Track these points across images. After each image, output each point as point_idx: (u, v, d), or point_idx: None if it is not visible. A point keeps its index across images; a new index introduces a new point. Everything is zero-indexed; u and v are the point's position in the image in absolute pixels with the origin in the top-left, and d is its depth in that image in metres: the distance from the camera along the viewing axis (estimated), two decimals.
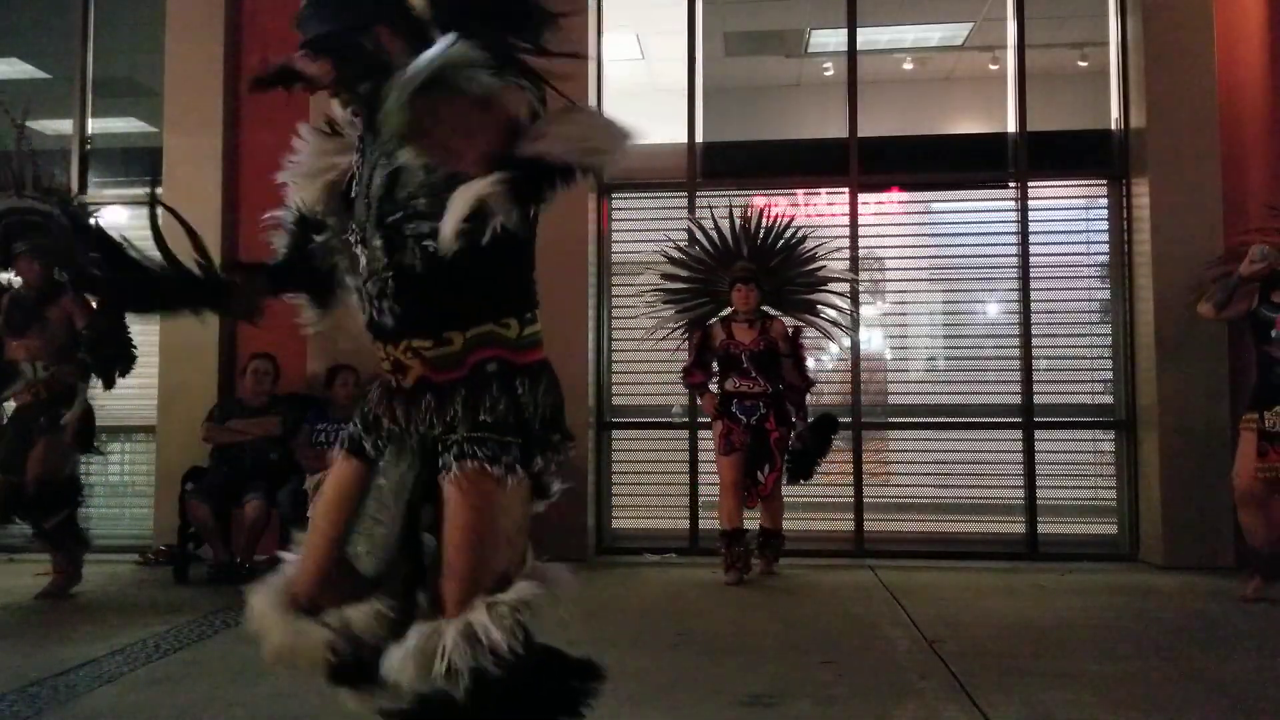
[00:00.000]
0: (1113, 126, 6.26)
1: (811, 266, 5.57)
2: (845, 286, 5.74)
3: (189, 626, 4.26)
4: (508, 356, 1.91)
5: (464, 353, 1.87)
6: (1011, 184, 6.29)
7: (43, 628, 4.37)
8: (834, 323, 5.66)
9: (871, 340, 6.50)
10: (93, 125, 6.79)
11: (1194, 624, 4.31)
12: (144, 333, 6.24)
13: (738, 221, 5.56)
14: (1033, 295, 6.16)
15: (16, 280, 5.21)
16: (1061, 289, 6.26)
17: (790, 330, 5.39)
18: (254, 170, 6.41)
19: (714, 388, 5.48)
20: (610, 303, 6.44)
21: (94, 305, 5.03)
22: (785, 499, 5.48)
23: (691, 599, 4.93)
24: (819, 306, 5.61)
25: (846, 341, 5.96)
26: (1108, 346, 6.21)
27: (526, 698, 1.87)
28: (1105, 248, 6.23)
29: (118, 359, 5.17)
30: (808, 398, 5.47)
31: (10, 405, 5.16)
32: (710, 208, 5.84)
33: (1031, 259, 6.17)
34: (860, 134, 6.31)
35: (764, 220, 5.58)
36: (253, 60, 6.52)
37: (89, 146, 6.72)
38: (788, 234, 5.56)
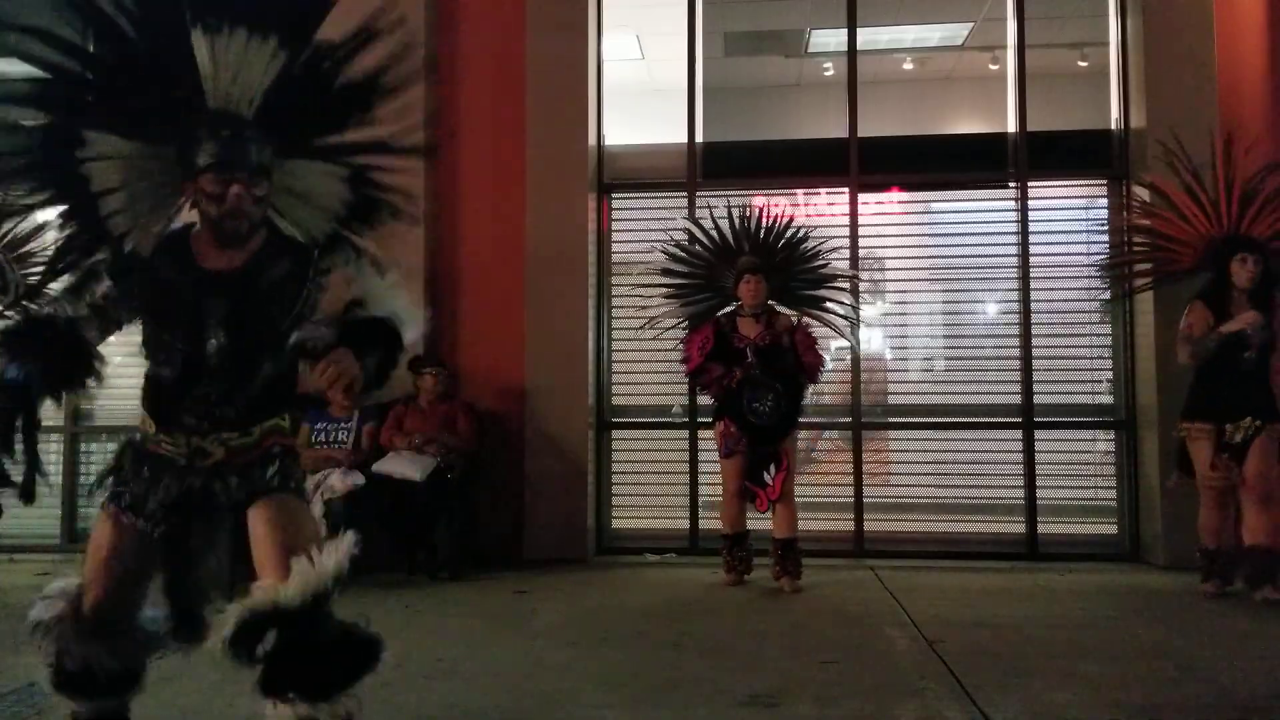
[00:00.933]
0: (1113, 126, 6.26)
1: (815, 264, 5.48)
2: (849, 284, 5.67)
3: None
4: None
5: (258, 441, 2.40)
6: (1011, 184, 6.29)
7: None
8: (840, 318, 5.57)
9: (871, 340, 6.50)
10: None
11: (1194, 624, 4.31)
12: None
13: (737, 220, 5.48)
14: (1033, 295, 6.17)
15: None
16: (1061, 289, 6.26)
17: (795, 322, 5.28)
18: None
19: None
20: (610, 303, 6.44)
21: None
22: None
23: (691, 599, 4.93)
24: (824, 304, 5.51)
25: (851, 338, 5.86)
26: (1108, 346, 6.21)
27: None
28: (1105, 248, 6.23)
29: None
30: (808, 391, 5.36)
31: None
32: (709, 207, 5.80)
33: (1031, 259, 6.17)
34: (860, 134, 6.31)
35: (764, 219, 5.49)
36: None
37: None
38: (789, 232, 5.47)
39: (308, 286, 2.37)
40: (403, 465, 5.44)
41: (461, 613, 4.58)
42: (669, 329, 5.66)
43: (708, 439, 6.23)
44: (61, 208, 2.40)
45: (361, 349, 2.34)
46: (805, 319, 5.39)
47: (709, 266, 5.50)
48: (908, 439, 6.45)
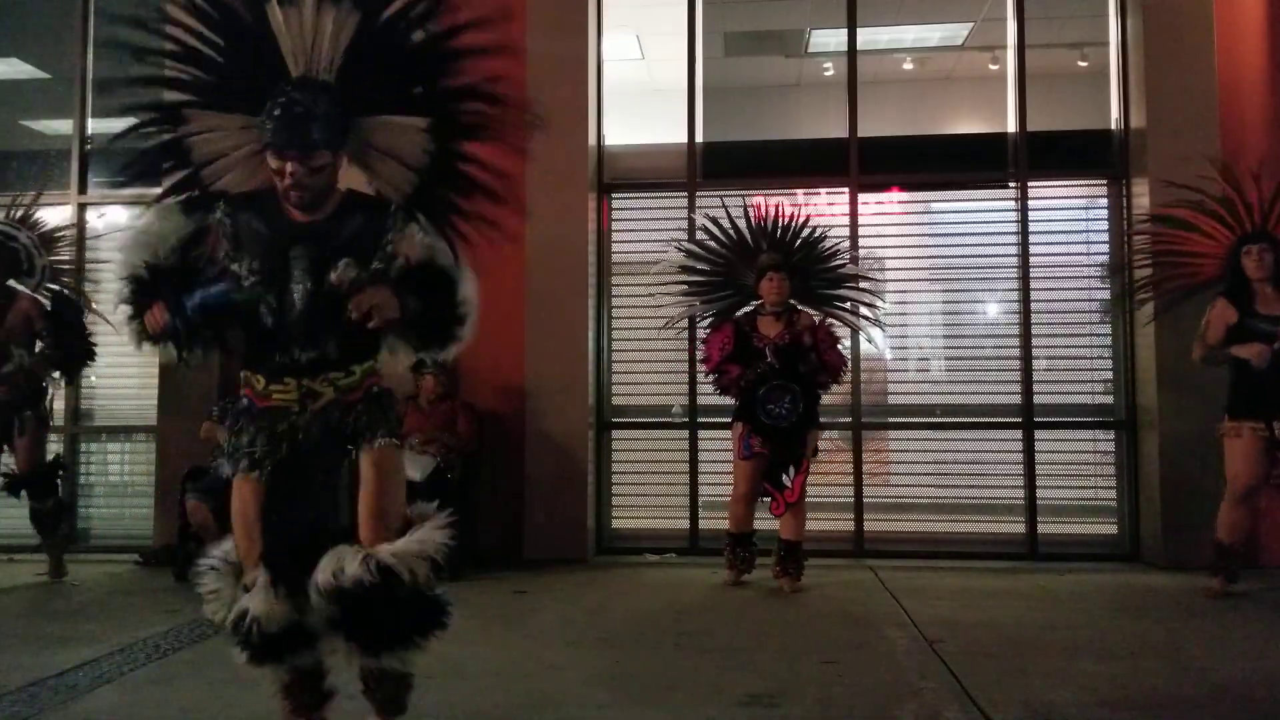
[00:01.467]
0: (1113, 126, 6.26)
1: (834, 263, 5.35)
2: (867, 283, 5.56)
3: (189, 627, 4.26)
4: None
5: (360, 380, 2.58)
6: (1011, 184, 6.29)
7: (43, 628, 4.37)
8: (860, 318, 5.48)
9: (872, 341, 6.49)
10: (92, 125, 6.78)
11: (1194, 624, 4.31)
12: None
13: (752, 218, 5.33)
14: (1033, 295, 6.16)
15: None
16: (1061, 289, 6.26)
17: (817, 321, 5.16)
18: None
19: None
20: (610, 303, 6.44)
21: (49, 307, 5.40)
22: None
23: (691, 599, 4.93)
24: (845, 303, 5.39)
25: (875, 337, 5.78)
26: (1108, 347, 6.21)
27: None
28: (1105, 248, 6.23)
29: (79, 354, 5.49)
30: (831, 388, 5.24)
31: None
32: (724, 205, 5.54)
33: (1031, 259, 6.17)
34: (860, 134, 6.31)
35: (781, 218, 5.35)
36: None
37: (89, 146, 6.72)
38: (805, 231, 5.32)
39: (385, 239, 2.50)
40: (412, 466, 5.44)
41: (461, 613, 4.51)
42: (688, 326, 5.58)
43: (708, 439, 6.24)
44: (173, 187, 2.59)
45: (406, 292, 2.47)
46: (828, 318, 5.28)
47: (728, 264, 5.37)
48: (908, 439, 6.45)
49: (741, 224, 5.36)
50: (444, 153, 2.60)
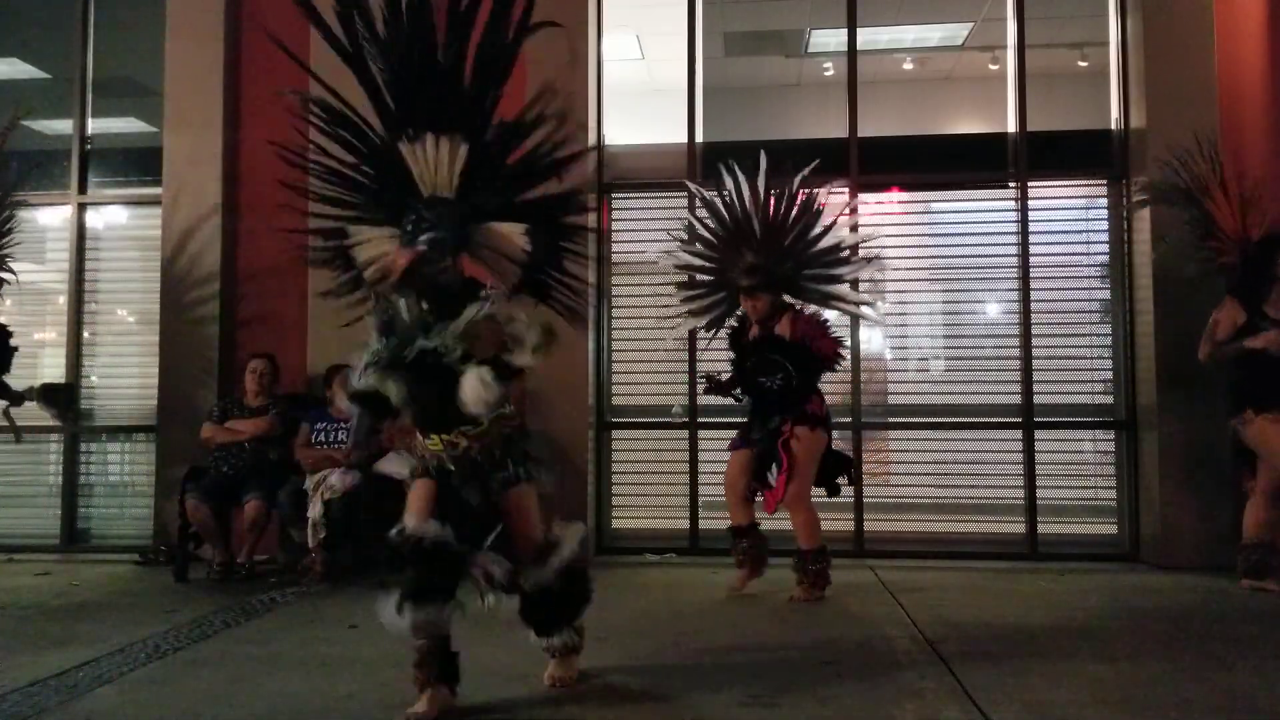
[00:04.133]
0: (1113, 126, 6.26)
1: (828, 244, 5.11)
2: (864, 272, 5.34)
3: (189, 627, 4.26)
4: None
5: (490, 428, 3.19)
6: (1011, 184, 6.29)
7: (43, 628, 4.37)
8: (855, 310, 5.31)
9: (871, 340, 6.49)
10: (93, 125, 6.79)
11: (1194, 624, 4.31)
12: (144, 332, 6.27)
13: (745, 192, 5.10)
14: (1033, 295, 6.17)
15: None
16: (1061, 289, 6.26)
17: (803, 317, 4.92)
18: (254, 170, 6.41)
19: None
20: (610, 303, 6.44)
21: None
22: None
23: (691, 599, 4.92)
24: (838, 295, 5.16)
25: (874, 317, 5.62)
26: (1108, 346, 6.21)
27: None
28: (1105, 248, 6.24)
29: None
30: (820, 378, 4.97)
31: None
32: (720, 187, 5.27)
33: (1031, 259, 6.17)
34: (860, 134, 6.31)
35: (773, 194, 5.11)
36: (253, 64, 6.53)
37: (89, 146, 6.72)
38: (800, 207, 5.08)
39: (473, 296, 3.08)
40: (403, 465, 5.42)
41: (461, 612, 4.56)
42: (694, 333, 5.47)
43: (708, 439, 6.24)
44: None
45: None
46: (818, 313, 5.07)
47: (720, 259, 5.17)
48: (908, 439, 6.45)
49: (734, 206, 5.14)
50: (538, 249, 3.19)
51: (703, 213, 5.31)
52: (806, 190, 5.13)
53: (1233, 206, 5.31)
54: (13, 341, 5.66)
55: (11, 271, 5.83)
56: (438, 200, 3.08)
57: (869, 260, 5.29)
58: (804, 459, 4.82)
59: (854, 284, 5.31)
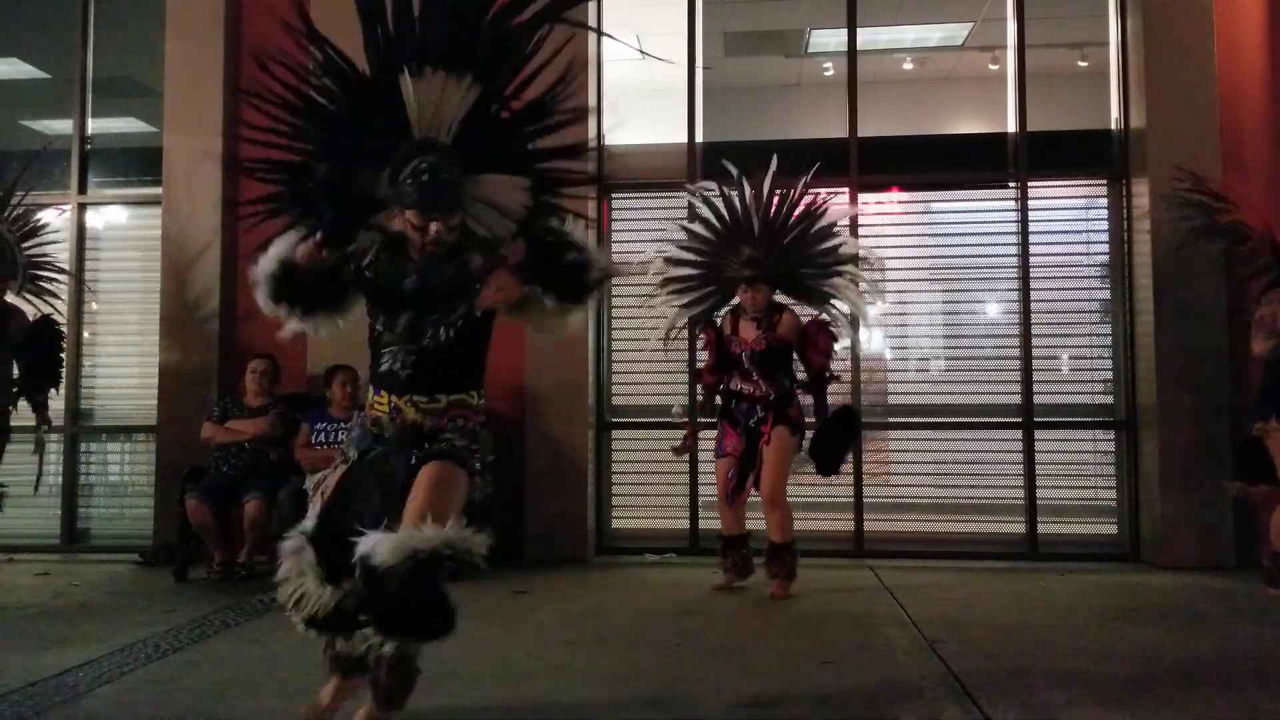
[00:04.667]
0: (1113, 126, 6.26)
1: (829, 244, 5.09)
2: (863, 270, 5.30)
3: (189, 627, 4.26)
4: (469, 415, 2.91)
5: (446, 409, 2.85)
6: (1011, 184, 6.29)
7: (43, 627, 4.37)
8: (852, 311, 5.23)
9: (871, 340, 6.49)
10: (93, 125, 6.78)
11: (1194, 624, 4.31)
12: (145, 332, 6.27)
13: (748, 192, 5.11)
14: (1033, 295, 6.16)
15: None
16: (1061, 289, 6.26)
17: (805, 322, 4.98)
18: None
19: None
20: (610, 303, 6.44)
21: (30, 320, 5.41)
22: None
23: (691, 599, 4.93)
24: (836, 293, 5.14)
25: (865, 333, 5.50)
26: (1108, 346, 6.21)
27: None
28: (1105, 248, 6.24)
29: (46, 383, 5.50)
30: (827, 390, 4.99)
31: None
32: (719, 185, 5.33)
33: (1031, 259, 6.17)
34: (860, 134, 6.31)
35: (776, 194, 5.11)
36: (250, 64, 6.53)
37: (89, 146, 6.72)
38: (800, 208, 5.08)
39: (479, 276, 2.78)
40: None
41: (461, 612, 4.56)
42: (676, 334, 5.47)
43: (708, 439, 6.23)
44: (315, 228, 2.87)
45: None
46: (821, 313, 5.11)
47: (715, 252, 5.16)
48: (908, 439, 6.45)
49: (734, 202, 5.16)
50: (538, 204, 2.91)
51: (702, 208, 5.30)
52: (809, 193, 5.14)
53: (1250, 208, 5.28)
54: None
55: (62, 270, 5.89)
56: (435, 145, 2.80)
57: (866, 260, 5.31)
58: (780, 459, 4.90)
59: (852, 284, 5.26)
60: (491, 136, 2.90)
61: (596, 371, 6.30)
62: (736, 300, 5.07)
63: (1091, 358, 6.28)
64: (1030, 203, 6.19)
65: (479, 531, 2.73)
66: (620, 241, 6.47)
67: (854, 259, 5.19)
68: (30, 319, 5.41)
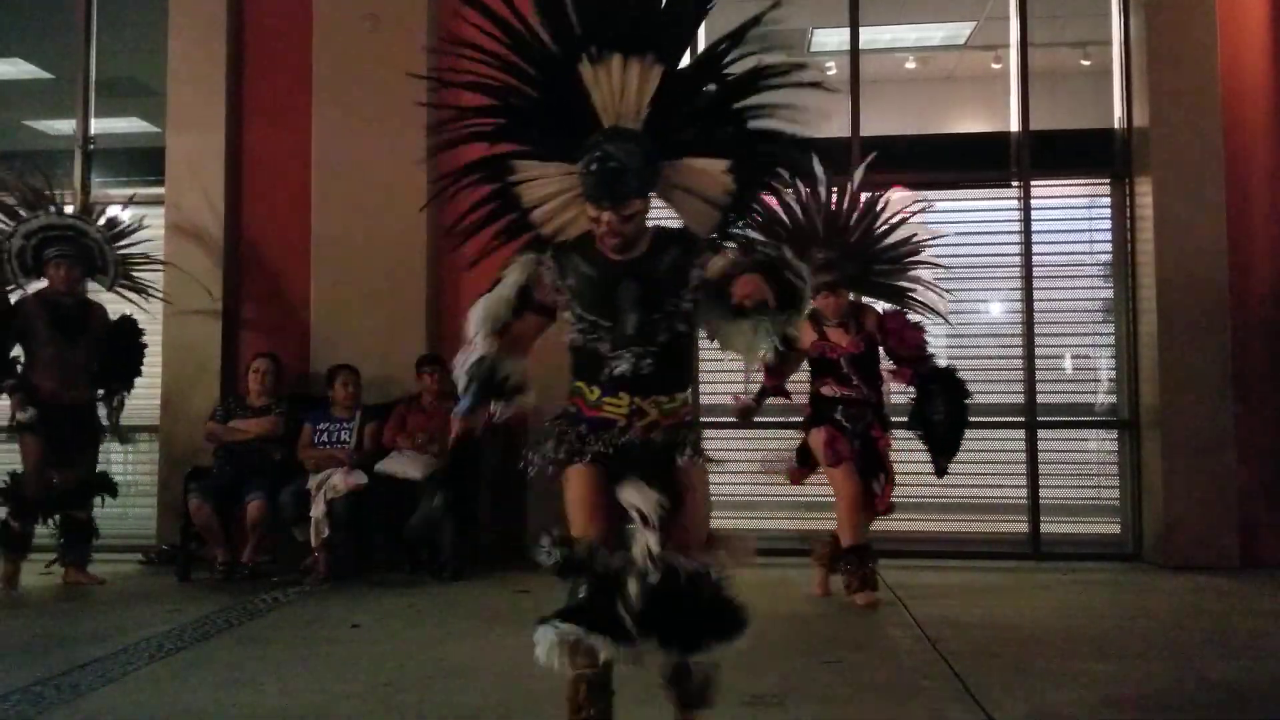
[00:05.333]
0: (1115, 126, 6.25)
1: (897, 238, 4.99)
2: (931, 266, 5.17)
3: (192, 626, 4.27)
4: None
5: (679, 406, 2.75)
6: (1014, 183, 6.28)
7: (46, 627, 4.38)
8: (926, 305, 5.13)
9: (945, 320, 6.35)
10: (95, 125, 6.79)
11: (1196, 624, 4.30)
12: (146, 332, 6.25)
13: (804, 193, 5.00)
14: (1036, 295, 6.15)
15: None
16: (1064, 289, 6.25)
17: (884, 314, 4.91)
18: (257, 169, 6.41)
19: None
20: None
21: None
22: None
23: None
24: (908, 290, 5.07)
25: (943, 320, 5.33)
26: (1111, 346, 6.20)
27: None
28: (1108, 247, 6.23)
29: (127, 377, 5.64)
30: (932, 377, 4.88)
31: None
32: (786, 187, 5.00)
33: (1034, 258, 6.16)
34: (863, 133, 6.30)
35: (838, 195, 5.05)
36: (255, 60, 6.53)
37: (91, 146, 6.73)
38: (864, 205, 5.01)
39: (693, 270, 2.65)
40: (405, 465, 5.44)
41: (463, 613, 4.57)
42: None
43: (708, 439, 6.18)
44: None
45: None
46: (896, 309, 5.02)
47: None
48: (910, 438, 6.42)
49: (793, 206, 5.05)
50: (744, 189, 2.77)
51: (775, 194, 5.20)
52: (868, 188, 5.06)
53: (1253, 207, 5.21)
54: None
55: (161, 263, 6.00)
56: (622, 132, 2.66)
57: (927, 260, 5.16)
58: (891, 463, 4.84)
59: (927, 276, 5.15)
60: (686, 117, 2.76)
61: None
62: (813, 305, 4.83)
63: (1094, 357, 6.27)
64: (1033, 202, 6.18)
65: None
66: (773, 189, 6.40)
67: (924, 248, 5.06)
68: (109, 316, 5.58)
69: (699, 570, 2.54)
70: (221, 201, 6.28)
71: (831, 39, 7.02)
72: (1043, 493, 6.07)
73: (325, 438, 5.66)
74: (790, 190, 5.07)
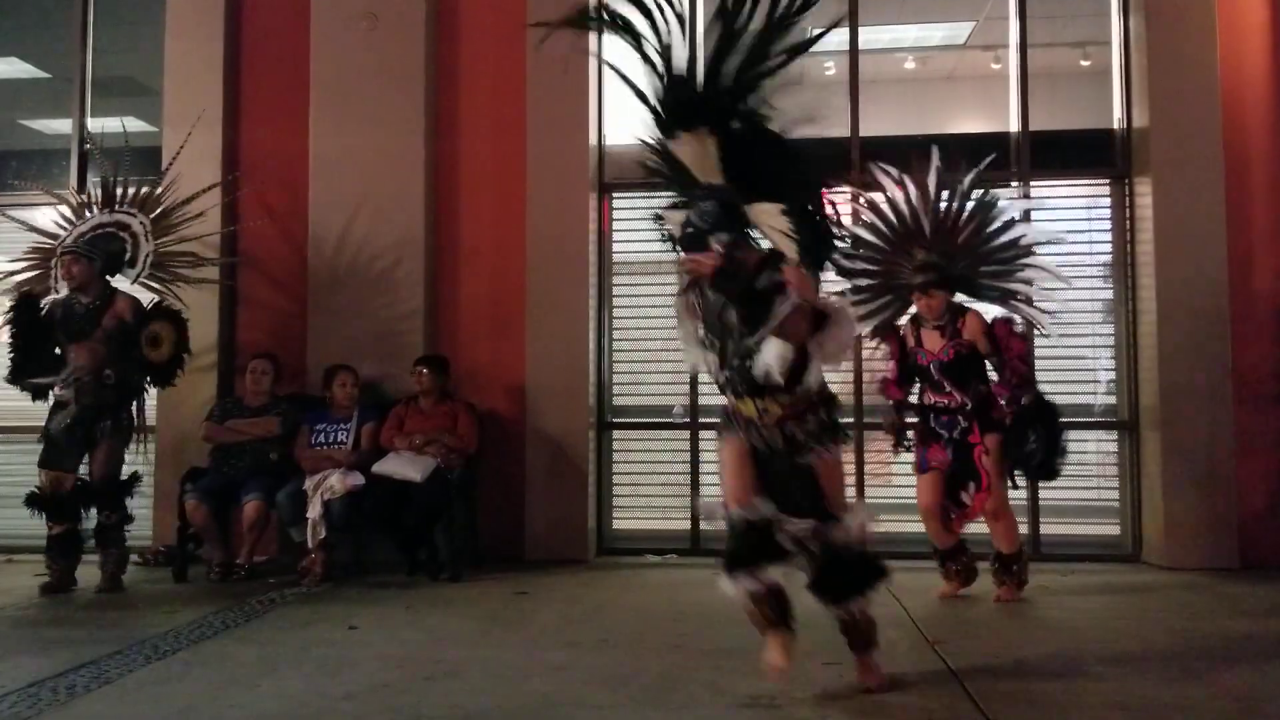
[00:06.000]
0: (1115, 126, 6.25)
1: (1008, 237, 4.88)
2: (1045, 264, 5.01)
3: (189, 627, 4.26)
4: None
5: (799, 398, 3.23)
6: (1014, 184, 6.27)
7: (43, 628, 4.36)
8: (1036, 310, 4.96)
9: (1047, 334, 6.33)
10: (92, 124, 6.77)
11: (1196, 624, 4.29)
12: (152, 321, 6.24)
13: (911, 189, 4.97)
14: (1034, 295, 6.13)
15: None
16: (1064, 289, 6.22)
17: (991, 323, 4.76)
18: (253, 169, 6.40)
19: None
20: (611, 303, 6.43)
21: (145, 306, 5.42)
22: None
23: (692, 600, 4.91)
24: (1018, 292, 4.91)
25: (1047, 330, 5.11)
26: (1110, 347, 6.20)
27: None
28: (1108, 248, 6.22)
29: (176, 357, 5.49)
30: (1026, 392, 4.74)
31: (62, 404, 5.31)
32: (883, 184, 5.16)
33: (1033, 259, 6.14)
34: (862, 133, 6.29)
35: (943, 189, 4.98)
36: (254, 59, 6.53)
37: (88, 146, 6.71)
38: (973, 200, 4.92)
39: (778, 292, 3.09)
40: (403, 466, 5.43)
41: (462, 613, 4.57)
42: (875, 347, 5.20)
43: (708, 439, 6.22)
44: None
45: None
46: (1001, 312, 4.90)
47: (888, 259, 5.00)
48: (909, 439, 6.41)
49: (899, 197, 5.01)
50: (804, 223, 3.19)
51: (867, 213, 5.13)
52: (979, 187, 5.00)
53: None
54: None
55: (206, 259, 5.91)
56: (711, 188, 3.24)
57: (1042, 263, 5.03)
58: (997, 468, 4.71)
59: (1037, 279, 5.00)
60: (751, 170, 3.24)
61: (596, 371, 6.28)
62: (915, 309, 4.88)
63: (1094, 358, 6.26)
64: (1032, 202, 6.17)
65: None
66: (620, 241, 6.46)
67: (1033, 252, 4.95)
68: (129, 311, 5.35)
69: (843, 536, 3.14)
70: (219, 201, 6.27)
71: (831, 39, 6.99)
72: (1042, 494, 6.05)
73: (322, 438, 5.65)
74: (900, 191, 5.04)
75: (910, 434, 4.98)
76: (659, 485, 6.38)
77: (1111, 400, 6.19)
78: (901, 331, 4.92)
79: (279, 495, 5.45)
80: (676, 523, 6.29)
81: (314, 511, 5.28)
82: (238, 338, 6.31)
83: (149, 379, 5.47)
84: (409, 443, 5.53)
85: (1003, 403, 4.76)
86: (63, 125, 6.76)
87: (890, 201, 5.07)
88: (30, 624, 4.50)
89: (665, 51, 3.30)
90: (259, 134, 6.42)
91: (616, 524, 6.39)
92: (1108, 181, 6.25)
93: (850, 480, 5.09)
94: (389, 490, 5.35)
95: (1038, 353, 6.11)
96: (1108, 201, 6.26)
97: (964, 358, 4.72)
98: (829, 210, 3.28)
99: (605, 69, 6.39)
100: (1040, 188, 6.24)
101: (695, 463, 6.26)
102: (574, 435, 6.07)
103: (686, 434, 6.30)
